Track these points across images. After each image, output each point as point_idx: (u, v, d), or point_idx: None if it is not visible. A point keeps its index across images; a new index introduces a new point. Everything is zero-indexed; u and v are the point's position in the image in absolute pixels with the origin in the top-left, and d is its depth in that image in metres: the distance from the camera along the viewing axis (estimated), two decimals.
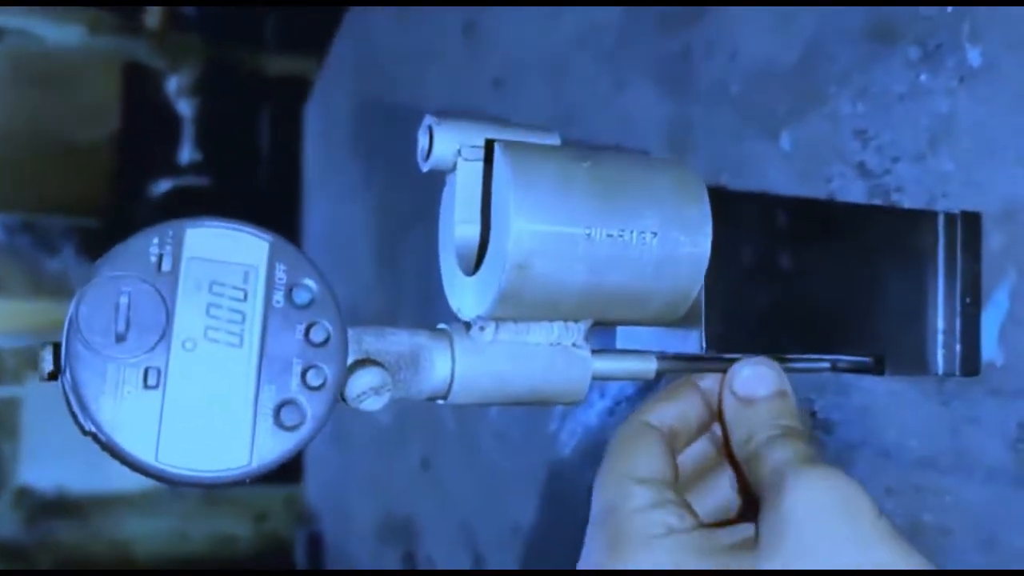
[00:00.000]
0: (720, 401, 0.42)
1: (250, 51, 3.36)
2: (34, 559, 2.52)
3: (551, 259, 0.36)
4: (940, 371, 0.48)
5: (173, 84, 3.32)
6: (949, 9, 0.54)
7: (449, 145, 0.39)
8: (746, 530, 0.37)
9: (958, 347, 0.47)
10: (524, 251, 0.36)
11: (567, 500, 0.94)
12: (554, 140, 0.39)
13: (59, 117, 3.98)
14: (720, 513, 0.44)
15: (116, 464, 0.34)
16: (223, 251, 0.34)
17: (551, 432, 0.97)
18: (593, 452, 0.89)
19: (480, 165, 0.39)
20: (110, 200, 4.30)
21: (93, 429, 0.33)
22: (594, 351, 0.41)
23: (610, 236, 0.37)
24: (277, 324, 0.34)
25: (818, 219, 0.46)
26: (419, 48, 1.48)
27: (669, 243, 0.38)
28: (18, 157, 4.03)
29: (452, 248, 0.41)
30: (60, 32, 3.20)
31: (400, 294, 1.53)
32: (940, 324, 0.47)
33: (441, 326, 0.41)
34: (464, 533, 1.24)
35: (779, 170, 0.67)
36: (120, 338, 0.32)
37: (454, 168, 0.40)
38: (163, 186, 3.42)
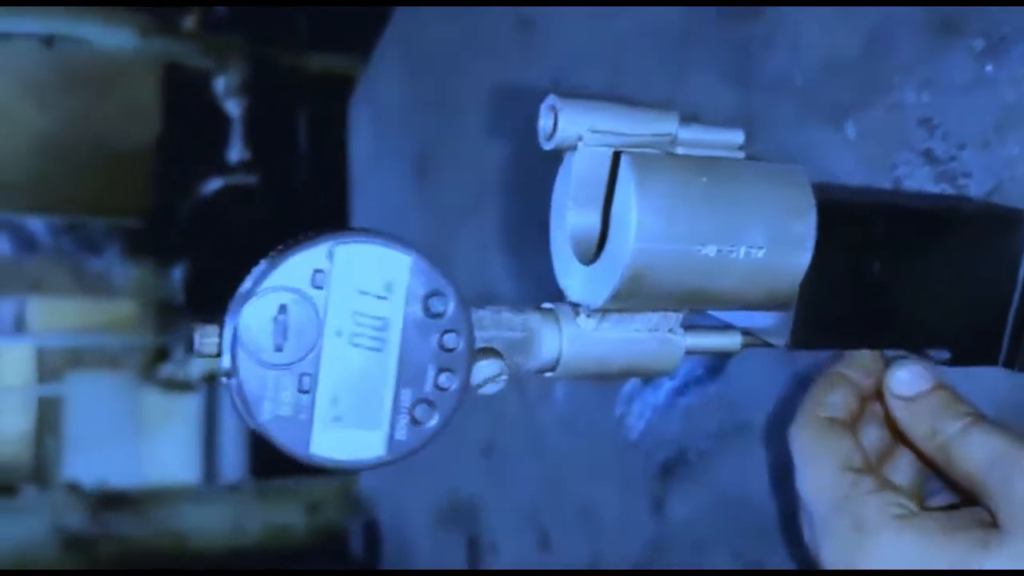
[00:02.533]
0: (885, 405, 0.47)
1: (295, 50, 3.40)
2: (95, 550, 2.58)
3: (663, 271, 0.39)
4: (1000, 364, 0.50)
5: (220, 84, 3.37)
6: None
7: (574, 126, 0.40)
8: (978, 513, 0.41)
9: (1022, 347, 0.49)
10: (639, 266, 0.39)
11: (637, 481, 0.97)
12: (673, 121, 0.41)
13: (105, 120, 4.05)
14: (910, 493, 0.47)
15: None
16: (369, 265, 0.37)
17: (617, 416, 1.00)
18: (663, 433, 0.92)
19: (601, 151, 0.41)
20: (154, 201, 4.37)
21: (256, 428, 0.37)
22: (683, 326, 0.45)
23: (720, 251, 0.39)
24: (414, 332, 0.38)
25: (914, 225, 0.47)
26: (471, 44, 1.51)
27: (774, 256, 0.40)
28: (63, 160, 4.10)
29: (565, 229, 0.44)
30: (108, 36, 3.25)
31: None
32: (1010, 323, 0.49)
33: (548, 306, 0.44)
34: (530, 517, 1.27)
35: (844, 158, 0.70)
36: (278, 348, 0.36)
37: (574, 148, 0.41)
38: (213, 185, 3.48)
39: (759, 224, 0.40)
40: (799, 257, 0.41)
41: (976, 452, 0.41)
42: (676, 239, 0.39)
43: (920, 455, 0.46)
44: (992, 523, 0.39)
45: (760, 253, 0.40)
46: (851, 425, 0.46)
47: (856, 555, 0.41)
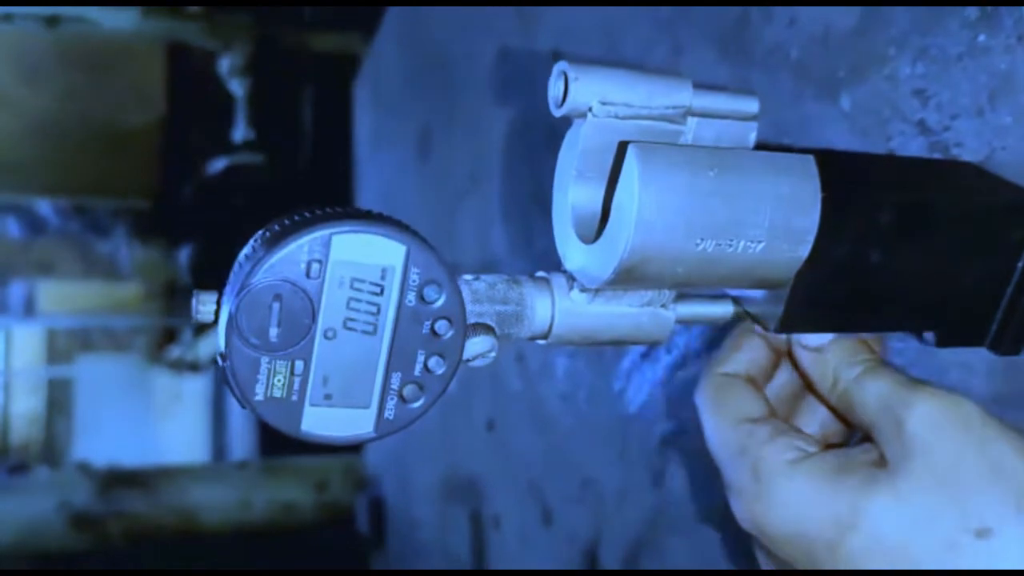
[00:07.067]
0: (792, 357, 0.46)
1: (299, 29, 3.40)
2: (104, 528, 2.59)
3: (660, 263, 0.39)
4: (986, 347, 0.49)
5: (225, 64, 3.37)
6: None
7: (587, 95, 0.40)
8: (870, 450, 0.41)
9: (1011, 332, 0.48)
10: (636, 259, 0.38)
11: (637, 454, 0.98)
12: (687, 92, 0.41)
13: (109, 101, 4.06)
14: (820, 436, 0.48)
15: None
16: (364, 252, 0.37)
17: (617, 390, 1.01)
18: (662, 406, 0.93)
19: (610, 121, 0.41)
20: (160, 181, 4.38)
21: (248, 408, 0.38)
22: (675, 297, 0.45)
23: (719, 245, 0.39)
24: (408, 319, 0.38)
25: (922, 216, 0.46)
26: (471, 23, 1.51)
27: (772, 251, 0.40)
28: (69, 141, 4.11)
29: (567, 201, 0.43)
30: (113, 17, 3.25)
31: (457, 264, 1.57)
32: (1002, 308, 0.48)
33: (542, 275, 0.44)
34: (532, 490, 1.28)
35: (839, 130, 0.70)
36: (272, 335, 0.37)
37: (584, 116, 0.41)
38: (218, 165, 3.48)
39: (761, 219, 0.39)
40: (798, 251, 0.40)
41: (869, 395, 0.41)
42: (676, 235, 0.38)
43: (829, 406, 0.46)
44: (881, 462, 0.40)
45: (759, 247, 0.39)
46: (757, 379, 0.46)
47: (756, 505, 0.41)
